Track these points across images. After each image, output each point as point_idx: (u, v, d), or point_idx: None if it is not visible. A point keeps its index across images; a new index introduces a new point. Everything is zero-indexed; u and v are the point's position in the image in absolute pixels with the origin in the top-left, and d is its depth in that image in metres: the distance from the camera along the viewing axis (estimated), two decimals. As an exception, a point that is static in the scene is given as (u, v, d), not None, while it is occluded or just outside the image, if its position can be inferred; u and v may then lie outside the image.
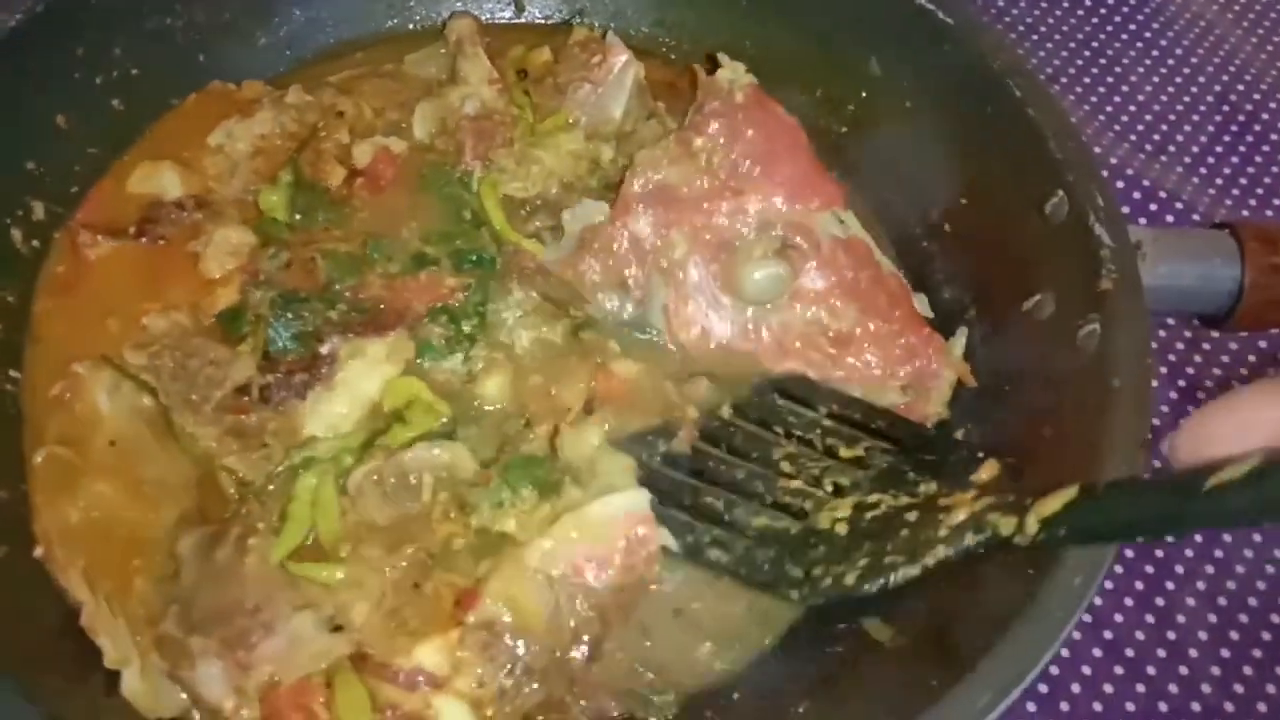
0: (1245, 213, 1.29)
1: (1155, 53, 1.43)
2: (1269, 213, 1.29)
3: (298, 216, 1.07)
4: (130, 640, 0.81)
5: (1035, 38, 1.45)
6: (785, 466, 0.90)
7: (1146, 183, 1.30)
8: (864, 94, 1.15)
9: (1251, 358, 1.18)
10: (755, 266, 0.98)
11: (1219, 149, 1.34)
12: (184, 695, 0.80)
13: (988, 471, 0.79)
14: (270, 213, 1.06)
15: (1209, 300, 0.95)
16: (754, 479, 0.89)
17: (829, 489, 0.88)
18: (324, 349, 0.93)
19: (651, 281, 1.01)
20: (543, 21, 1.29)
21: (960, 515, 0.75)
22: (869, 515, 0.83)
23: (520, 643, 0.81)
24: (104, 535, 0.87)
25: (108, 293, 1.01)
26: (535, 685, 0.81)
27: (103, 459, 0.90)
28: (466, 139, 1.11)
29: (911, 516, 0.80)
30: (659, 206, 1.01)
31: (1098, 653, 1.00)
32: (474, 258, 1.03)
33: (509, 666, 0.80)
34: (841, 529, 0.83)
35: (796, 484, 0.88)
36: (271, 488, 0.88)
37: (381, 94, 1.19)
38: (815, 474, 0.89)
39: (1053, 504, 0.67)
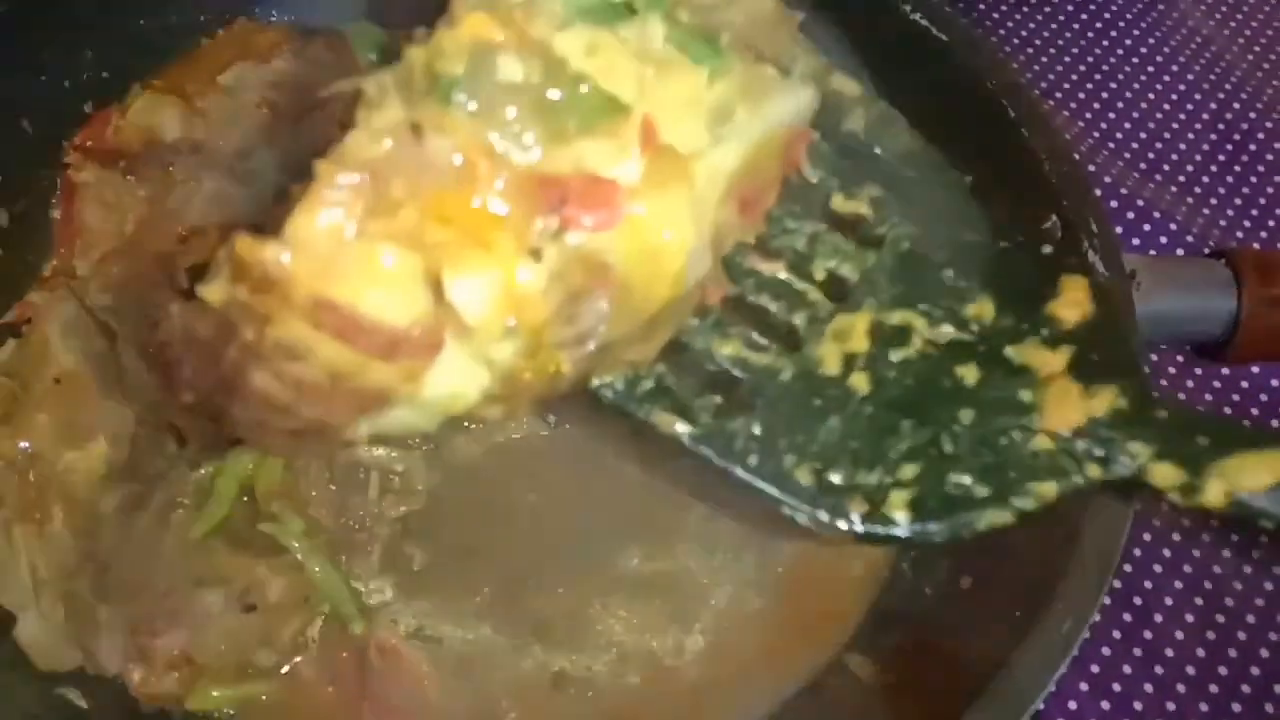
0: (1239, 235, 1.26)
1: (1151, 69, 1.40)
2: (1263, 234, 1.26)
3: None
4: (31, 585, 0.77)
5: (1030, 51, 1.41)
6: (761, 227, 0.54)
7: (1140, 203, 1.27)
8: (855, 111, 1.12)
9: (1244, 384, 1.16)
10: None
11: (1214, 169, 1.31)
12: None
13: (1073, 300, 0.53)
14: (262, 171, 1.00)
15: (1204, 331, 0.92)
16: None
17: (820, 280, 0.54)
18: None
19: None
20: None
21: (1066, 412, 0.49)
22: (897, 357, 0.52)
23: (616, 312, 0.45)
24: (32, 473, 0.83)
25: (82, 223, 0.97)
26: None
27: (45, 395, 0.86)
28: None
29: (968, 376, 0.51)
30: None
31: (1084, 687, 0.98)
32: None
33: (567, 343, 0.45)
34: (862, 384, 0.52)
35: (776, 269, 0.54)
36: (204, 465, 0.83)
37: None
38: (800, 248, 0.54)
39: (1253, 474, 0.46)
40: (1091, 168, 1.28)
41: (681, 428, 0.51)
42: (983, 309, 0.53)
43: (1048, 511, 0.50)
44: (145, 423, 0.87)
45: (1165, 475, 0.48)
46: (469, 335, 0.43)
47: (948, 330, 0.52)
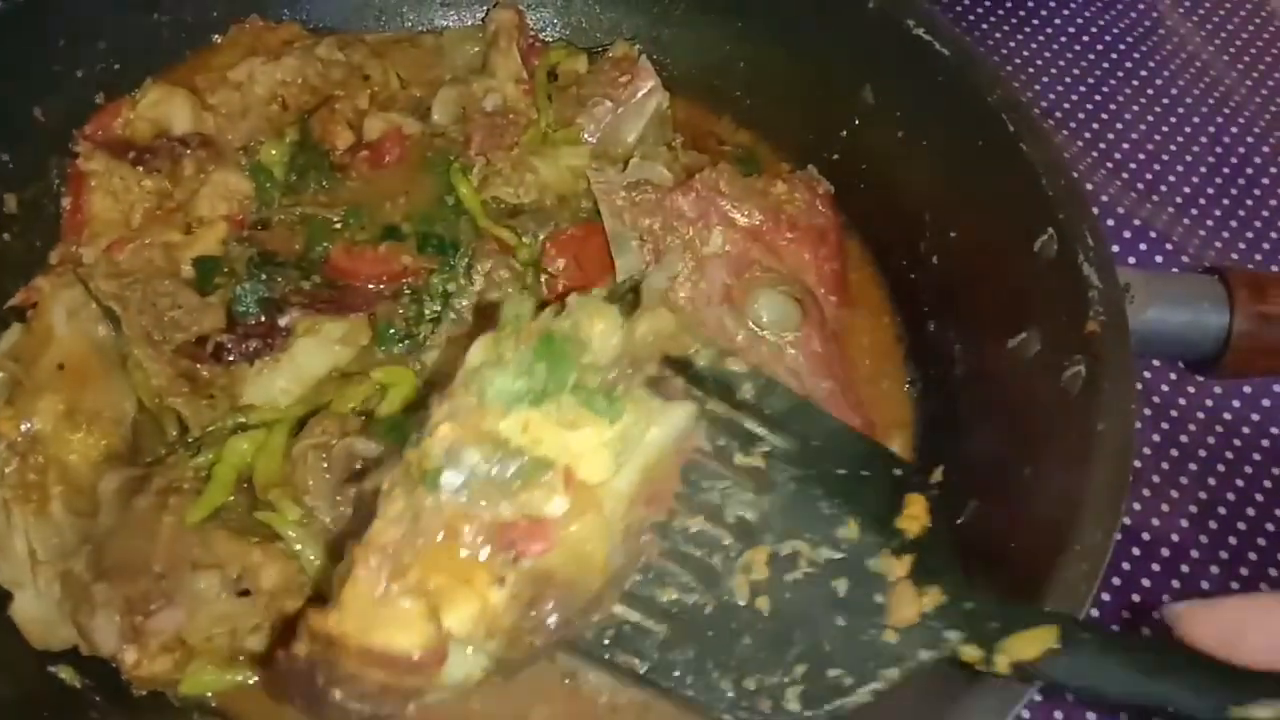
0: (1234, 256, 1.26)
1: (1150, 92, 1.41)
2: (1258, 256, 1.27)
3: (294, 177, 1.03)
4: (27, 563, 0.77)
5: (1031, 71, 1.43)
6: (680, 489, 0.66)
7: (1137, 222, 1.27)
8: (857, 121, 1.11)
9: (1236, 403, 1.16)
10: (773, 293, 0.98)
11: (1210, 191, 1.32)
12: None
13: (912, 514, 0.65)
14: (269, 166, 1.02)
15: (1196, 346, 0.91)
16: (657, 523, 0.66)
17: (731, 524, 0.66)
18: (282, 320, 0.90)
19: (671, 251, 0.99)
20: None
21: (905, 610, 0.61)
22: (789, 578, 0.64)
23: (565, 600, 0.61)
24: (32, 455, 0.83)
25: (90, 211, 0.97)
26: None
27: (48, 379, 0.85)
28: (476, 133, 1.07)
29: (840, 587, 0.63)
30: (715, 205, 1.00)
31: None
32: (436, 242, 0.99)
33: (536, 628, 0.61)
34: (764, 605, 0.64)
35: (696, 522, 0.66)
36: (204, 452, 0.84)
37: (413, 65, 1.15)
38: (716, 501, 0.66)
39: (1026, 648, 0.58)
40: (1089, 186, 1.29)
41: (638, 665, 0.64)
42: (851, 530, 0.64)
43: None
44: (146, 408, 0.87)
45: (970, 653, 0.60)
46: (463, 642, 0.60)
47: (826, 552, 0.64)
